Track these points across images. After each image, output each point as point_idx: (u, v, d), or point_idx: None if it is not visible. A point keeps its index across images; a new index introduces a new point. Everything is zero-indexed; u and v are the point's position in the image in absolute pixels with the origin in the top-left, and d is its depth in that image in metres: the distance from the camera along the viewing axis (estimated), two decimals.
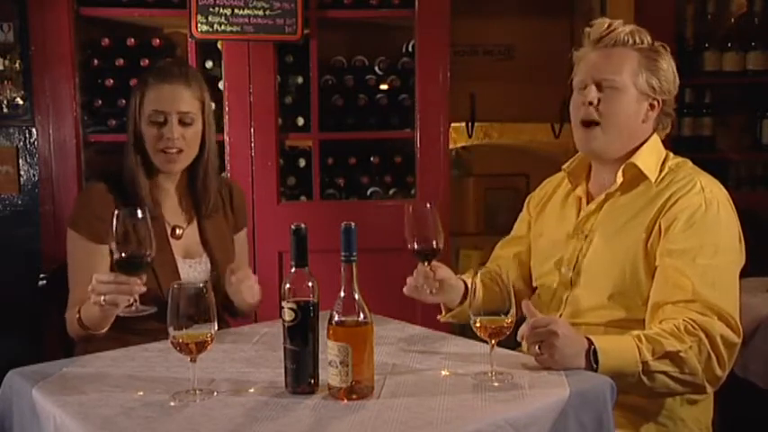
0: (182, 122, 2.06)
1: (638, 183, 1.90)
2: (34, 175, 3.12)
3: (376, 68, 3.33)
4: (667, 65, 1.90)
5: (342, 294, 1.48)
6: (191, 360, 1.51)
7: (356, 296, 1.47)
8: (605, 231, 1.91)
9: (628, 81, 1.86)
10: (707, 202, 1.81)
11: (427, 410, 1.42)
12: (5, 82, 3.08)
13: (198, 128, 2.10)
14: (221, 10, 3.05)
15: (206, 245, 2.19)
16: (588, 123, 1.90)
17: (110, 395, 1.52)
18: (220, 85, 3.14)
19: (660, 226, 1.82)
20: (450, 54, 3.24)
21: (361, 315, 1.47)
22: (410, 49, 3.30)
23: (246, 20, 3.08)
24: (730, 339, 1.72)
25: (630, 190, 1.91)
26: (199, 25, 3.04)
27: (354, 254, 1.47)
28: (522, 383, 1.56)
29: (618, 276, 1.85)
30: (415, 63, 3.23)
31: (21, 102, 3.10)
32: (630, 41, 1.87)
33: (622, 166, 1.90)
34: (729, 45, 3.63)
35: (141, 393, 1.53)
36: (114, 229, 1.70)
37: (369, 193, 3.35)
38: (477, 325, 1.60)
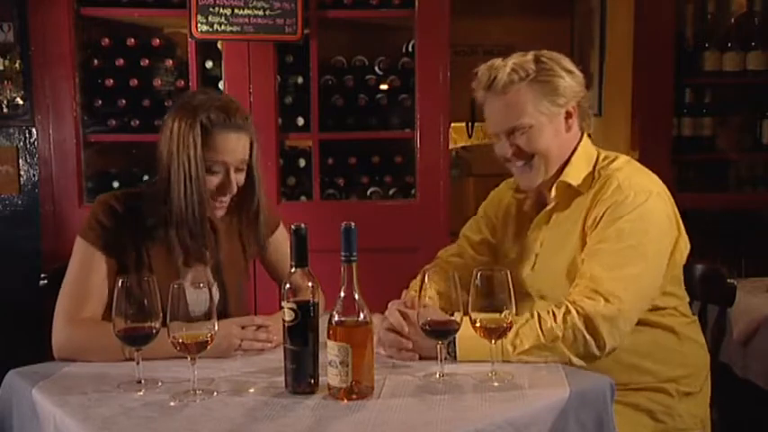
0: (237, 170, 1.95)
1: (575, 193, 1.90)
2: (34, 175, 3.13)
3: (376, 68, 3.33)
4: (563, 75, 1.86)
5: (342, 294, 1.48)
6: (191, 360, 1.52)
7: (356, 296, 1.47)
8: (550, 247, 1.92)
9: (534, 115, 1.85)
10: (624, 195, 1.80)
11: (427, 410, 1.42)
12: (5, 82, 3.08)
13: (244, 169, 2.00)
14: (221, 10, 3.05)
15: (218, 270, 2.06)
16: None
17: (110, 395, 1.52)
18: (220, 85, 3.14)
19: (586, 232, 1.84)
20: (451, 54, 3.24)
21: (361, 315, 1.47)
22: (410, 49, 3.30)
23: (246, 20, 3.08)
24: (609, 315, 1.70)
25: (570, 202, 1.91)
26: (199, 25, 3.04)
27: (354, 254, 1.47)
28: (522, 383, 1.56)
29: (567, 289, 1.83)
30: (415, 63, 3.23)
31: (21, 102, 3.10)
32: (516, 78, 1.84)
33: (554, 185, 1.90)
34: (729, 45, 3.63)
35: (141, 393, 1.53)
36: (116, 297, 1.55)
37: (369, 193, 3.34)
38: (477, 325, 1.60)
